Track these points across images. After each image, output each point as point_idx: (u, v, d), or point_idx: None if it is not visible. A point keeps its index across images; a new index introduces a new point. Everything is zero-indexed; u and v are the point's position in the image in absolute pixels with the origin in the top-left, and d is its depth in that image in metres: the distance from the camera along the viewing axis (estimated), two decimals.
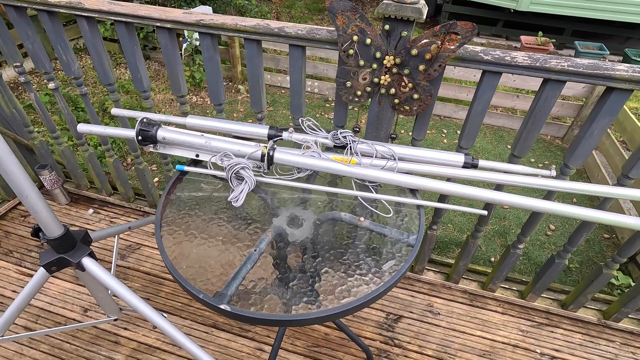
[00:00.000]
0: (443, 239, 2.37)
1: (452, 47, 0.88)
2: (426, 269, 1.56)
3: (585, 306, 1.43)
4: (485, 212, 0.84)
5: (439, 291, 1.52)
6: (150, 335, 1.32)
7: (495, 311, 1.45)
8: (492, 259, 2.31)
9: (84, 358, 1.25)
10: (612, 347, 1.34)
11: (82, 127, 0.99)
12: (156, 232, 0.76)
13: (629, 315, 1.39)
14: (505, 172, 0.94)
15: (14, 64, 1.41)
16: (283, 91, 4.07)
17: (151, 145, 0.91)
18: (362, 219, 0.81)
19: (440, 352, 1.32)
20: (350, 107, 1.10)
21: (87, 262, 1.02)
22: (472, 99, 1.03)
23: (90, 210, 1.79)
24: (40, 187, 1.89)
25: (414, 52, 0.90)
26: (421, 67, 0.92)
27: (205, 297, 0.63)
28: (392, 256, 0.72)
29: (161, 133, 0.86)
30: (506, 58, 0.89)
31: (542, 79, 0.94)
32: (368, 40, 0.93)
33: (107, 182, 1.82)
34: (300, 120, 1.03)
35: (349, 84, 1.01)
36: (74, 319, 1.35)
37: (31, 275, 1.49)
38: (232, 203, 0.81)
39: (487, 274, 1.53)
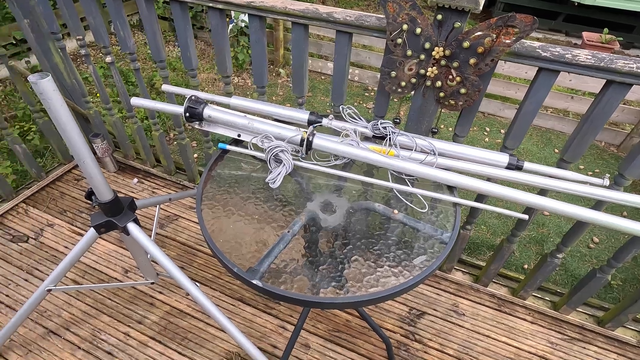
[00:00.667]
0: (475, 240, 2.30)
1: (507, 41, 0.83)
2: (455, 268, 1.53)
3: (624, 326, 1.35)
4: (525, 217, 0.81)
5: (466, 292, 1.48)
6: (182, 302, 1.40)
7: (524, 319, 1.40)
8: (525, 266, 2.22)
9: (123, 314, 1.35)
10: None
11: (135, 101, 1.05)
12: (197, 206, 0.80)
13: None
14: (552, 176, 0.89)
15: (77, 37, 1.50)
16: (323, 77, 4.05)
17: (197, 123, 0.95)
18: (395, 211, 0.81)
19: (462, 352, 1.30)
20: (391, 97, 1.08)
21: (131, 227, 1.09)
22: (523, 97, 0.98)
23: (135, 180, 1.91)
24: (94, 153, 2.03)
25: (466, 44, 0.87)
26: (472, 61, 0.88)
27: (239, 271, 0.66)
28: (424, 251, 0.72)
29: (207, 111, 0.90)
30: (567, 56, 0.83)
31: (604, 81, 0.87)
32: (418, 30, 0.90)
33: (151, 154, 1.92)
34: (340, 108, 1.03)
35: (393, 74, 0.99)
36: (115, 278, 1.47)
37: (81, 234, 1.62)
38: (269, 184, 0.83)
39: (518, 280, 1.48)
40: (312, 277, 0.67)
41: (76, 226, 1.65)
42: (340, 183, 0.91)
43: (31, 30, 1.52)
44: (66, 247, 1.56)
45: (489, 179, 0.98)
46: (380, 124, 0.94)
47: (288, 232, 0.75)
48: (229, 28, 3.98)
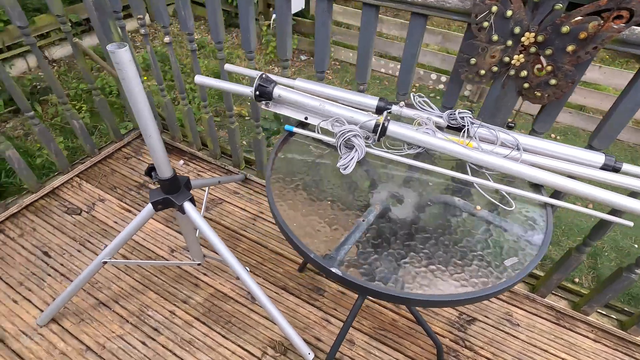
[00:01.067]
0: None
1: (616, 26, 0.74)
2: None
3: None
4: (631, 224, 0.72)
5: (521, 302, 1.39)
6: (226, 285, 1.40)
7: (586, 336, 1.30)
8: (577, 280, 2.08)
9: (168, 292, 1.36)
10: None
11: (199, 79, 1.03)
12: (267, 189, 0.77)
13: None
14: None
15: (138, 16, 1.52)
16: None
17: (264, 102, 0.92)
18: (478, 207, 0.74)
19: None
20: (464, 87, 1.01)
21: (187, 206, 1.09)
22: (620, 94, 0.88)
23: (181, 161, 1.93)
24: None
25: (565, 29, 0.78)
26: (570, 48, 0.80)
27: (316, 257, 0.62)
28: (515, 253, 0.65)
29: (277, 91, 0.86)
30: None
31: None
32: (509, 13, 0.82)
33: (198, 137, 1.93)
34: (411, 96, 0.97)
35: (473, 61, 0.92)
36: (162, 257, 1.48)
37: (130, 211, 1.65)
38: (340, 170, 0.79)
39: (580, 294, 1.37)
40: (393, 270, 0.62)
41: (125, 203, 1.69)
42: (410, 174, 0.86)
43: (95, 8, 1.55)
44: (116, 222, 1.60)
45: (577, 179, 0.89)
46: (458, 113, 0.87)
47: (363, 220, 0.71)
48: (274, 17, 3.97)
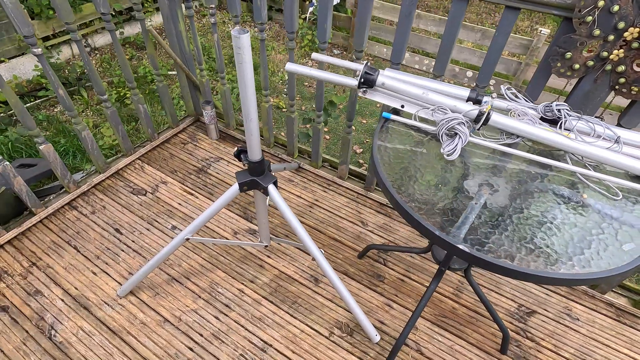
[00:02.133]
0: None
1: None
2: None
3: None
4: None
5: (580, 297, 1.41)
6: (289, 268, 1.45)
7: None
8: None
9: (236, 272, 1.42)
10: None
11: (290, 66, 1.07)
12: (378, 169, 0.80)
13: None
14: None
15: (210, 6, 1.57)
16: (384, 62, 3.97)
17: (362, 90, 0.95)
18: (585, 195, 0.77)
19: (578, 358, 1.24)
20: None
21: (271, 189, 1.14)
22: None
23: (236, 149, 1.98)
24: (197, 120, 2.13)
25: None
26: None
27: (441, 235, 0.66)
28: (631, 239, 0.68)
29: (381, 79, 0.90)
30: None
31: None
32: (615, 8, 0.84)
33: None
34: (501, 88, 0.99)
35: (569, 55, 0.94)
36: (226, 238, 1.54)
37: (191, 194, 1.72)
38: (445, 156, 0.83)
39: None
40: (516, 250, 0.65)
41: (187, 186, 1.75)
42: (502, 163, 0.88)
43: None
44: (180, 204, 1.66)
45: None
46: (556, 106, 0.89)
47: (475, 203, 0.74)
48: (310, 11, 4.00)
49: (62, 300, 1.30)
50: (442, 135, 0.86)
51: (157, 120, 2.88)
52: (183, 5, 1.66)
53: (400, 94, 0.91)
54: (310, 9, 3.96)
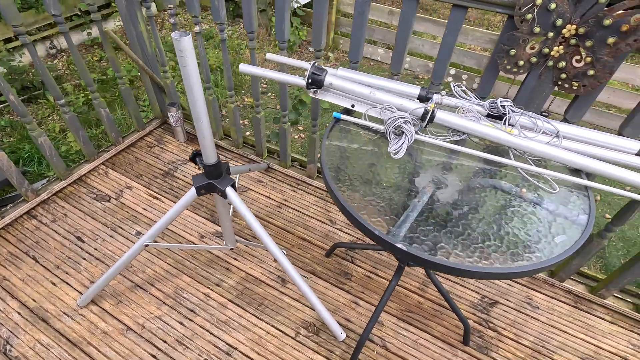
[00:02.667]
0: None
1: None
2: None
3: None
4: None
5: (540, 286, 1.45)
6: (256, 269, 1.44)
7: (603, 319, 1.36)
8: (585, 268, 2.14)
9: (202, 276, 1.41)
10: None
11: (243, 67, 1.06)
12: (324, 171, 0.80)
13: None
14: None
15: (169, 6, 1.54)
16: (372, 63, 4.00)
17: (312, 90, 0.95)
18: (524, 190, 0.79)
19: (538, 345, 1.28)
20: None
21: (229, 191, 1.13)
22: None
23: (191, 152, 1.95)
24: (164, 122, 2.09)
25: (607, 22, 0.82)
26: (610, 40, 0.84)
27: (380, 234, 0.66)
28: (563, 231, 0.70)
29: (329, 79, 0.90)
30: None
31: None
32: (552, 5, 0.86)
33: (221, 127, 1.96)
34: (451, 85, 1.00)
35: (513, 52, 0.96)
36: (192, 242, 1.52)
37: (157, 198, 1.69)
38: (392, 155, 0.83)
39: (596, 279, 1.43)
40: (453, 246, 0.67)
41: (152, 190, 1.72)
42: (452, 160, 0.90)
43: None
44: (145, 209, 1.63)
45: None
46: (500, 102, 0.91)
47: (418, 201, 0.75)
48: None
49: (19, 313, 1.26)
50: (389, 134, 0.87)
51: (127, 123, 2.81)
52: (144, 7, 1.62)
53: (349, 93, 0.91)
54: (295, 5, 3.92)
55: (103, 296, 1.32)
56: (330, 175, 0.79)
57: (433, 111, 0.84)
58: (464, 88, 1.00)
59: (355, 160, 0.85)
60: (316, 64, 0.91)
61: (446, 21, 3.30)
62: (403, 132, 0.85)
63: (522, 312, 1.37)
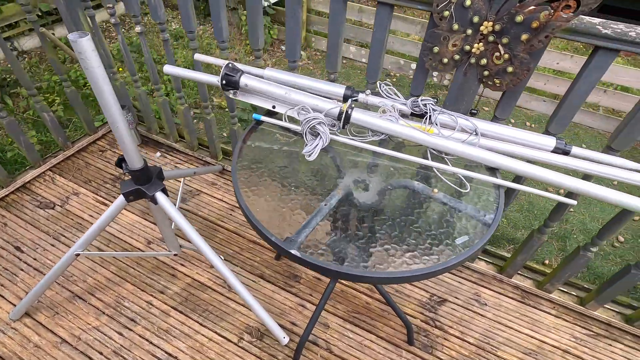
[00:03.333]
0: (494, 233, 2.26)
1: (565, 15, 0.78)
2: (478, 257, 1.50)
3: None
4: (574, 202, 0.77)
5: (489, 282, 1.46)
6: (203, 275, 1.41)
7: (549, 313, 1.37)
8: (547, 262, 2.17)
9: (145, 283, 1.37)
10: None
11: (168, 68, 1.03)
12: (232, 175, 0.78)
13: None
14: (602, 164, 0.85)
15: (108, 5, 1.49)
16: (344, 61, 3.98)
17: (232, 92, 0.93)
18: (435, 190, 0.78)
19: (482, 342, 1.28)
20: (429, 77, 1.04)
21: (159, 196, 1.09)
22: (574, 79, 0.92)
23: (158, 154, 1.91)
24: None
25: (519, 18, 0.82)
26: (524, 37, 0.83)
27: (277, 240, 0.64)
28: (466, 231, 0.69)
29: (244, 80, 0.87)
30: (630, 34, 0.78)
31: None
32: (468, 2, 0.85)
33: (175, 129, 1.91)
34: (378, 84, 0.99)
35: (436, 49, 0.95)
36: (138, 249, 1.48)
37: (105, 204, 1.64)
38: (305, 157, 0.81)
39: (544, 274, 1.44)
40: (351, 250, 0.65)
41: (100, 196, 1.67)
42: (374, 160, 0.88)
43: None
44: (91, 216, 1.58)
45: (531, 162, 0.94)
46: (421, 100, 0.90)
47: (325, 205, 0.73)
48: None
49: None
50: (306, 135, 0.85)
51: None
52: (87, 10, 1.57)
53: (265, 94, 0.89)
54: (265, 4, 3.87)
55: (39, 308, 1.28)
56: (238, 179, 0.77)
57: (347, 111, 0.82)
58: (392, 87, 0.98)
59: (268, 163, 0.83)
60: (230, 64, 0.88)
61: (416, 19, 3.28)
62: (318, 134, 0.83)
63: (470, 310, 1.37)
